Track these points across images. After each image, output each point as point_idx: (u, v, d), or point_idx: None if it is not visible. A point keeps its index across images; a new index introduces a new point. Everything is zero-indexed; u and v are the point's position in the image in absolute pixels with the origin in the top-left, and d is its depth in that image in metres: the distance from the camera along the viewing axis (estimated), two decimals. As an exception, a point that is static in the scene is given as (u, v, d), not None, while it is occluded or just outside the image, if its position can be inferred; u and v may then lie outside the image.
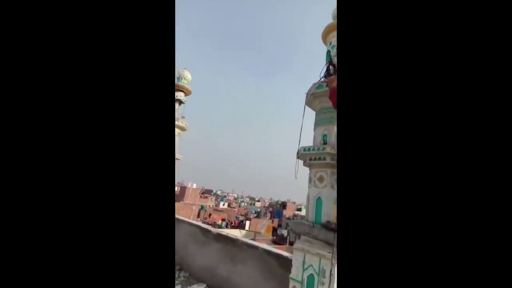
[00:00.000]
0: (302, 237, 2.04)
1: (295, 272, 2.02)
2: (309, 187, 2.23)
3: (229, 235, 4.00)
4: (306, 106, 2.51)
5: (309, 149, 2.14)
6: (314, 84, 2.31)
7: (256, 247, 3.47)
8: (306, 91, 2.47)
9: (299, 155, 2.28)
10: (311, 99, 2.36)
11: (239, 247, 3.65)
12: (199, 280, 3.79)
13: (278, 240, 15.99)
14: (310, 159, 2.15)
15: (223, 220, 24.84)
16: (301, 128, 2.42)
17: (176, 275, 4.01)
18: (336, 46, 2.44)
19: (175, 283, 3.68)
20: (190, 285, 3.65)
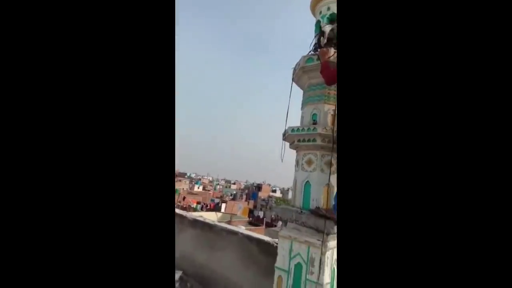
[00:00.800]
0: (289, 223, 1.90)
1: (281, 261, 1.89)
2: (296, 170, 2.07)
3: (207, 221, 3.81)
4: (294, 83, 2.29)
5: (297, 130, 1.94)
6: (304, 57, 2.07)
7: (235, 233, 3.33)
8: (294, 66, 2.24)
9: (286, 137, 2.08)
10: (300, 74, 2.13)
11: (218, 233, 3.49)
12: (175, 268, 3.60)
13: (255, 222, 16.28)
14: (299, 141, 1.96)
15: (198, 203, 24.55)
16: (288, 108, 2.21)
17: (150, 265, 3.77)
18: (326, 16, 2.21)
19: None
20: (165, 274, 3.44)
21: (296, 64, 2.19)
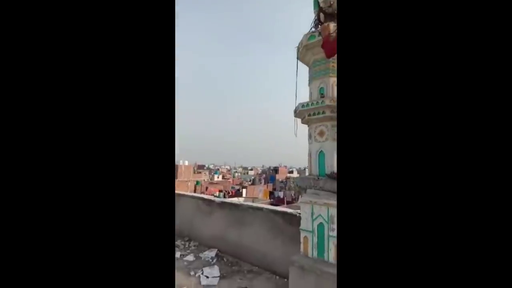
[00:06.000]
0: (308, 190, 2.11)
1: (305, 223, 2.12)
2: (309, 143, 2.25)
3: (233, 202, 4.10)
4: (299, 62, 2.42)
5: (307, 105, 2.10)
6: (306, 35, 2.19)
7: (260, 208, 3.60)
8: (297, 45, 2.35)
9: (297, 113, 2.25)
10: (304, 52, 2.26)
11: (244, 211, 3.77)
12: (210, 247, 3.97)
13: (276, 202, 16.78)
14: (309, 115, 2.12)
15: (220, 191, 25.44)
16: (296, 85, 2.36)
17: (187, 245, 4.17)
18: (324, -9, 2.27)
19: (187, 253, 3.83)
20: (202, 252, 3.81)
21: (299, 43, 2.31)
